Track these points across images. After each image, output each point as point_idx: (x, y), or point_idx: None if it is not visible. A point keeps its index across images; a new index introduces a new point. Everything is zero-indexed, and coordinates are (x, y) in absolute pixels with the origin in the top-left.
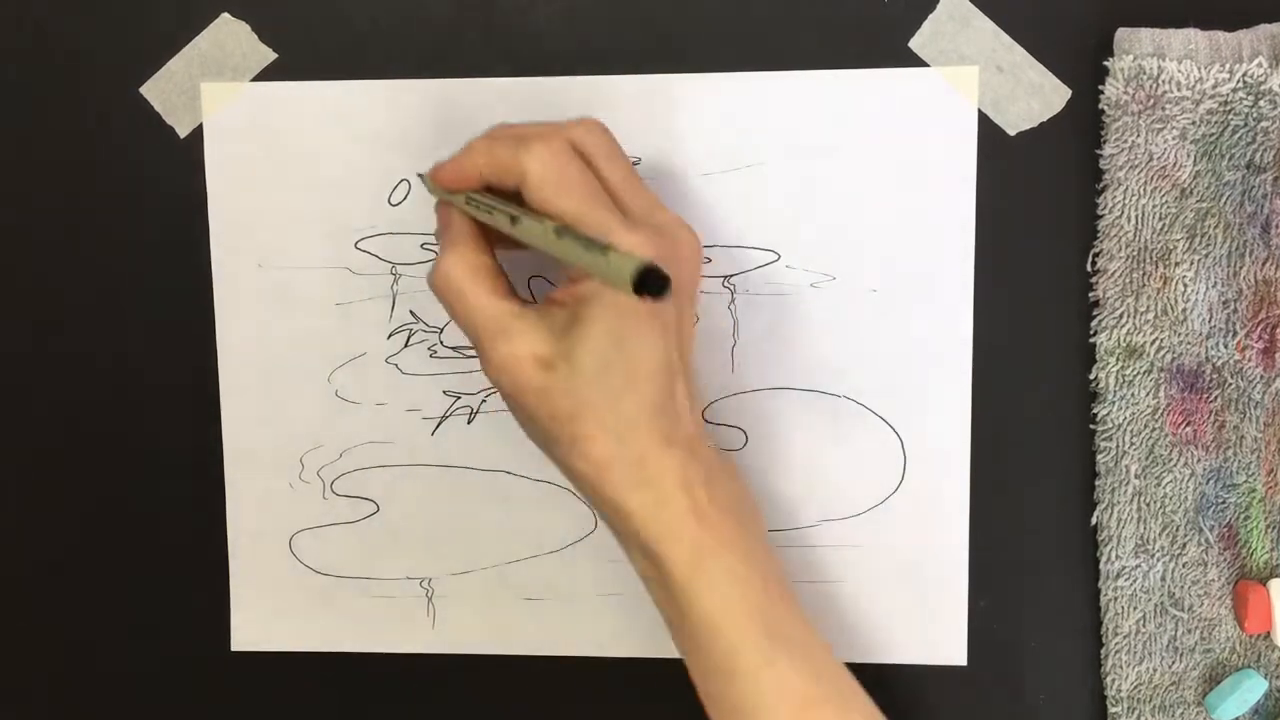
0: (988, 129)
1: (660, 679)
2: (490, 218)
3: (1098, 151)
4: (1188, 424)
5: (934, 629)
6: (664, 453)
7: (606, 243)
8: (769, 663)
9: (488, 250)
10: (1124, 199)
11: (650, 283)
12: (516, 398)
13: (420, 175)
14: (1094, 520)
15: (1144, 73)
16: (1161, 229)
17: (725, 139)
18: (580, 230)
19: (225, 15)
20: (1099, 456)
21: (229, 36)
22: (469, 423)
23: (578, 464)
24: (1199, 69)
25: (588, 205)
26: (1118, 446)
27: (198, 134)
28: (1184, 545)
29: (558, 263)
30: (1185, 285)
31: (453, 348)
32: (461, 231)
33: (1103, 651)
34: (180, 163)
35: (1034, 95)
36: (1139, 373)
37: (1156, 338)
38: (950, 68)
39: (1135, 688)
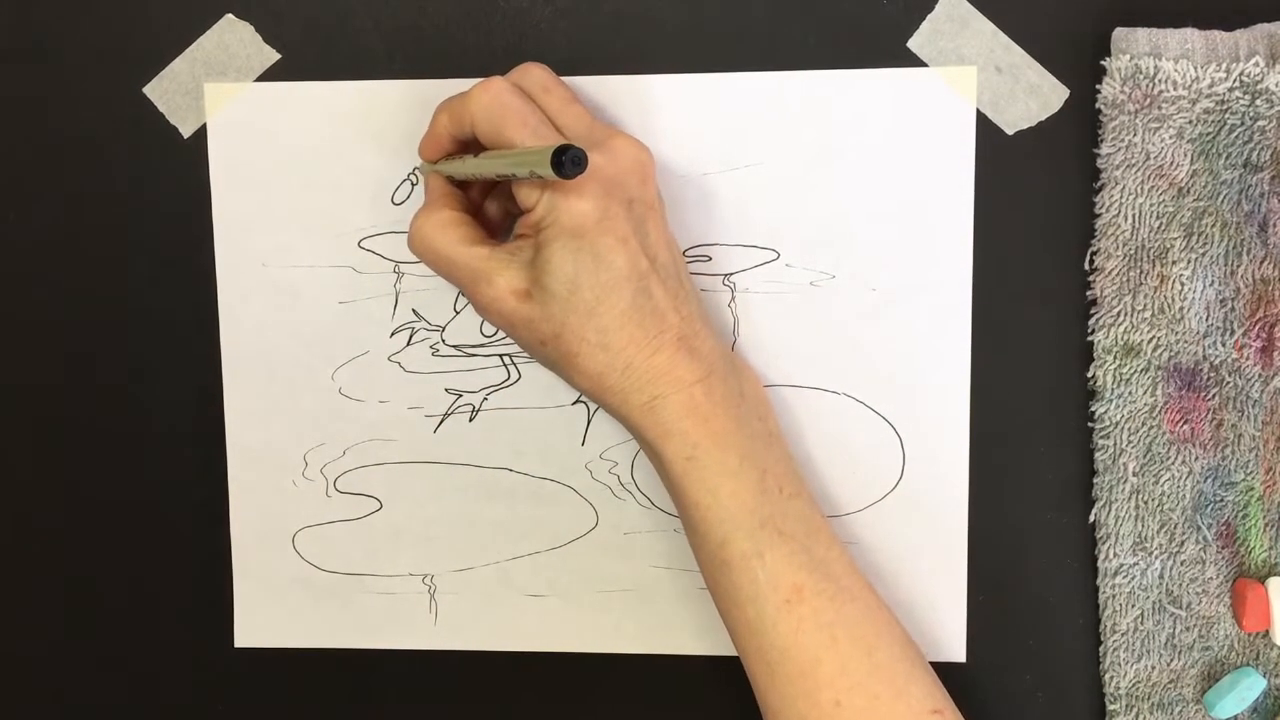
0: (986, 129)
1: (662, 675)
2: (458, 169)
3: (1095, 151)
4: (1185, 422)
5: (933, 626)
6: (652, 355)
7: (536, 148)
8: (759, 554)
9: (459, 205)
10: (1121, 198)
11: (571, 162)
12: (510, 331)
13: (415, 169)
14: (1092, 518)
15: (1141, 72)
16: (1159, 228)
17: (725, 139)
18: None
19: (229, 16)
20: (1097, 454)
21: (233, 37)
22: (470, 420)
23: (576, 379)
24: (1195, 68)
25: (529, 130)
26: (1115, 444)
27: (201, 134)
28: (1182, 543)
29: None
30: (1183, 284)
31: (455, 346)
32: (432, 192)
33: (1101, 649)
34: (184, 163)
35: (1032, 95)
36: (1136, 371)
37: (1154, 336)
38: (949, 68)
39: (1134, 685)
